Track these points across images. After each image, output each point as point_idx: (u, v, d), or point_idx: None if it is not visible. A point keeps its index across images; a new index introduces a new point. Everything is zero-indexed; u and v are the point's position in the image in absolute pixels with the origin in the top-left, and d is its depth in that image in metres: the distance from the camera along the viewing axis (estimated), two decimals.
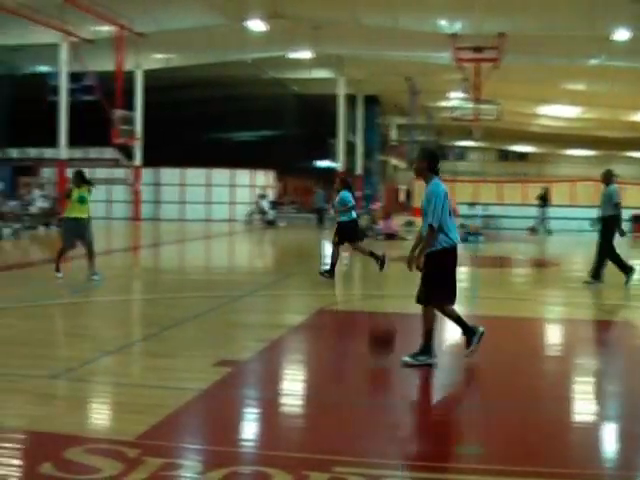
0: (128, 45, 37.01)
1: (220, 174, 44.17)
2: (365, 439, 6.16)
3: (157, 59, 42.24)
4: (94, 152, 47.02)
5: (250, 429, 6.69)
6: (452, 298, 8.57)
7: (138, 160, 43.52)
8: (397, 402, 7.53)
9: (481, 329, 8.70)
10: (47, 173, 43.98)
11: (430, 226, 8.23)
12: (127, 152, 44.97)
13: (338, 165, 48.47)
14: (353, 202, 16.76)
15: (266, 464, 5.59)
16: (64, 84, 38.59)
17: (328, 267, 16.41)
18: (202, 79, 45.14)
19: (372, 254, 17.04)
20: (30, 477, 5.35)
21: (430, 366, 8.43)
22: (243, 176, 44.63)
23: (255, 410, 7.21)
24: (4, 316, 11.73)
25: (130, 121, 38.25)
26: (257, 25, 34.72)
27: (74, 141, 40.18)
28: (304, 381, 8.49)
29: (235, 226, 40.02)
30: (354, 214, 16.81)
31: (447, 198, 8.37)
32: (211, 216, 43.48)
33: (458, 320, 8.69)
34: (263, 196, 42.34)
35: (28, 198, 35.72)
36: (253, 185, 44.54)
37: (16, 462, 5.66)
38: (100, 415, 6.99)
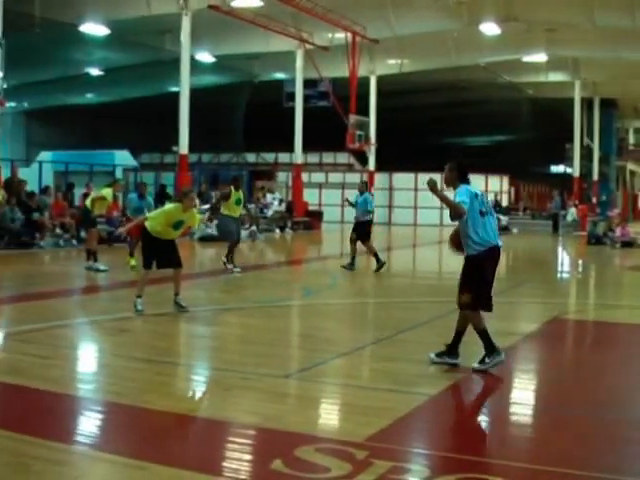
0: (362, 51, 37.44)
1: None
2: (603, 453, 5.90)
3: (390, 64, 42.50)
4: (328, 157, 47.90)
5: (480, 437, 6.56)
6: (486, 305, 8.35)
7: (372, 165, 43.95)
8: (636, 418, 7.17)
9: (502, 356, 8.30)
10: (282, 177, 45.22)
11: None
12: (361, 157, 45.50)
13: (573, 170, 47.14)
14: (373, 205, 19.66)
15: (495, 473, 5.46)
16: (299, 90, 39.55)
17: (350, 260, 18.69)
18: (435, 84, 45.05)
19: (376, 255, 18.56)
20: (261, 473, 5.45)
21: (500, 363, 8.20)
22: (476, 181, 43.95)
23: (485, 418, 7.07)
24: (242, 316, 12.11)
25: (364, 126, 38.66)
26: (491, 29, 34.26)
27: (308, 146, 41.11)
28: (536, 391, 8.23)
29: None
30: (371, 216, 19.37)
31: (481, 200, 8.40)
32: (443, 221, 43.25)
33: (483, 333, 8.32)
34: (494, 202, 41.75)
35: (264, 201, 36.78)
36: (487, 190, 43.93)
37: (248, 457, 5.80)
38: (330, 415, 7.06)
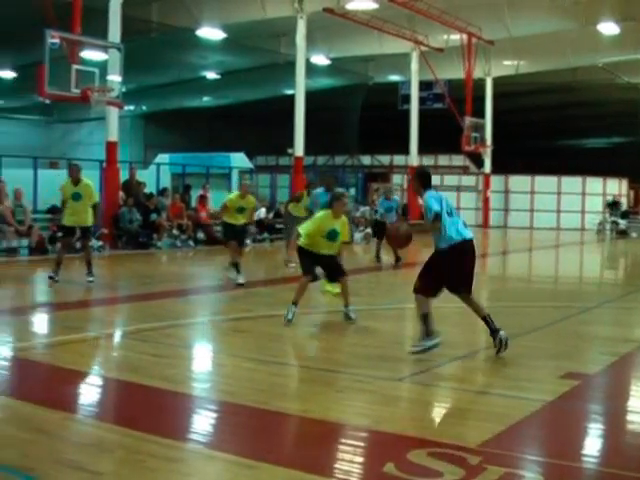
0: (477, 52, 37.11)
1: (570, 182, 43.01)
2: None
3: (506, 66, 41.97)
4: (443, 159, 47.60)
5: (595, 445, 6.39)
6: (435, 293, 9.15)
7: (487, 167, 43.53)
8: None
9: (437, 340, 8.92)
10: (397, 179, 45.15)
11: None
12: (476, 159, 45.09)
13: None
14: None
15: None
16: (415, 93, 39.44)
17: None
18: (552, 85, 44.28)
19: (378, 254, 20.94)
20: (373, 476, 5.44)
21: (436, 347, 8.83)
22: (594, 184, 43.13)
23: (601, 426, 6.89)
24: (358, 318, 12.11)
25: (480, 128, 38.28)
26: (609, 28, 33.46)
27: (424, 148, 40.96)
28: None
29: (585, 235, 38.86)
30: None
31: (446, 202, 9.21)
32: (561, 224, 42.52)
33: (424, 317, 9.02)
34: (614, 205, 40.82)
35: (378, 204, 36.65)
36: (604, 194, 43.01)
37: (359, 460, 5.79)
38: (443, 419, 7.00)
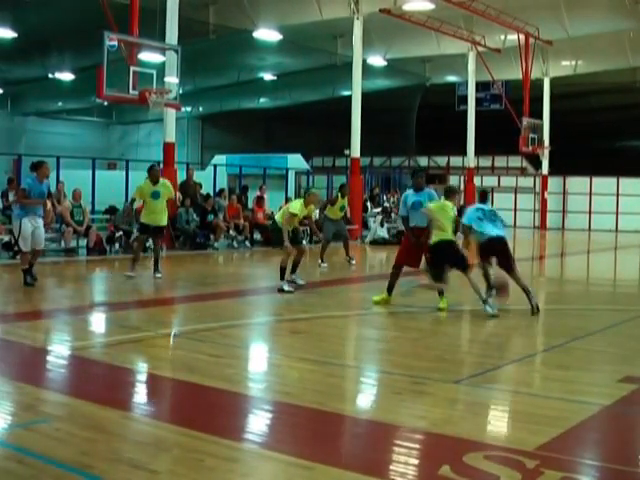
0: (535, 52, 36.79)
1: (630, 183, 42.41)
2: None
3: (564, 66, 41.57)
4: (500, 160, 47.27)
5: None
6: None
7: (545, 168, 43.15)
8: None
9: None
10: (454, 181, 44.95)
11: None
12: (534, 161, 44.71)
13: None
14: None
15: None
16: (472, 93, 39.24)
17: None
18: (612, 85, 43.75)
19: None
20: (428, 478, 5.42)
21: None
22: None
23: None
24: (413, 319, 12.08)
25: (537, 129, 37.93)
26: None
27: (481, 149, 40.73)
28: None
29: None
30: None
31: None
32: (620, 227, 41.95)
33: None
34: None
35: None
36: None
37: (415, 462, 5.77)
38: (500, 422, 6.95)
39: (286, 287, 14.63)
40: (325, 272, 18.55)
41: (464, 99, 39.94)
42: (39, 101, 48.55)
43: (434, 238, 12.28)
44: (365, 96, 31.50)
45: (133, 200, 17.19)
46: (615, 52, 37.95)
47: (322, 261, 19.37)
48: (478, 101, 39.77)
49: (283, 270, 14.89)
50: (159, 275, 16.15)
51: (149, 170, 16.83)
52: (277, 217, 15.73)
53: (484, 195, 13.50)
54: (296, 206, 15.39)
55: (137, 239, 17.21)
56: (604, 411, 7.01)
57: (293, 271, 15.43)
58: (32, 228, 14.18)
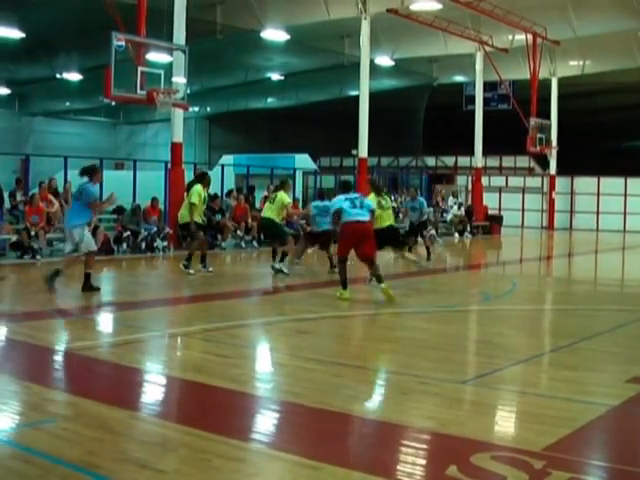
0: (542, 52, 36.74)
1: (638, 183, 42.29)
2: None
3: (572, 66, 41.50)
4: (508, 160, 47.21)
5: None
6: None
7: (553, 169, 43.08)
8: None
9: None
10: (461, 181, 44.93)
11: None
12: (542, 161, 44.65)
13: None
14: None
15: None
16: (479, 93, 39.18)
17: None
18: (619, 85, 43.67)
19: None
20: (436, 478, 5.41)
21: None
22: None
23: None
24: (419, 320, 12.07)
25: (545, 129, 37.88)
26: None
27: (488, 149, 40.68)
28: None
29: None
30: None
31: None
32: (628, 227, 41.85)
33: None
34: None
35: (443, 205, 36.53)
36: None
37: (422, 462, 5.76)
38: (507, 423, 6.94)
39: (285, 269, 16.87)
40: (332, 272, 18.42)
41: (471, 99, 39.85)
42: (46, 101, 48.67)
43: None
44: (372, 96, 31.51)
45: (194, 205, 16.85)
46: (622, 52, 37.88)
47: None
48: (486, 101, 39.68)
49: (284, 254, 17.03)
50: (211, 269, 17.28)
51: (204, 176, 17.65)
52: (268, 214, 17.43)
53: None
54: (285, 197, 17.34)
55: (200, 237, 17.33)
56: (611, 412, 6.99)
57: (281, 260, 17.20)
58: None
